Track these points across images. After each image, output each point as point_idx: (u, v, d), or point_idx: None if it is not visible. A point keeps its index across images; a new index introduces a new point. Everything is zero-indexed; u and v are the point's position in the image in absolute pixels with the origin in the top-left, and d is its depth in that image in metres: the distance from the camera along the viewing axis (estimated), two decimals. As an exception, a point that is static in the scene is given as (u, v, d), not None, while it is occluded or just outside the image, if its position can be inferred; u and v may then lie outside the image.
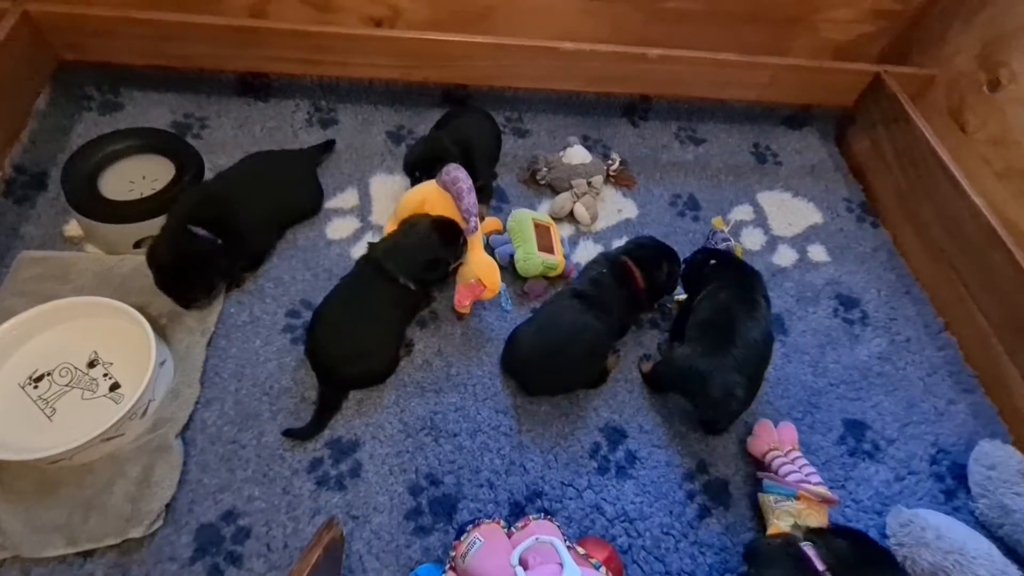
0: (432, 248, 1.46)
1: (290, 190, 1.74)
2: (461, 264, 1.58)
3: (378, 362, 1.49)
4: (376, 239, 1.77)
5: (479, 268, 1.55)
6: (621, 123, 2.27)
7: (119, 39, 1.68)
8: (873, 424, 1.60)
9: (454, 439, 1.46)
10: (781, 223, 2.09)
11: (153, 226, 1.56)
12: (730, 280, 1.47)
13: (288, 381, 1.50)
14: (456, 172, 1.51)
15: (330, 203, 1.86)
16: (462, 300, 1.50)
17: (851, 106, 2.17)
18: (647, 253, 1.56)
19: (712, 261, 1.54)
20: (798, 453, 1.36)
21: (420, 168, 1.71)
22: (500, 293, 1.60)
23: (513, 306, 1.70)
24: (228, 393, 1.46)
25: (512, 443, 1.47)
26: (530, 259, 1.68)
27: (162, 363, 1.40)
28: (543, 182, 1.98)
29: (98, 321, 1.44)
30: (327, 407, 1.43)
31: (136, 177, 1.67)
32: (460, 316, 1.66)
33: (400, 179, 1.95)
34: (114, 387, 1.38)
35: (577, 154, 1.92)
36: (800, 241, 2.05)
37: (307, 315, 1.61)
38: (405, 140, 2.06)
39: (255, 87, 2.03)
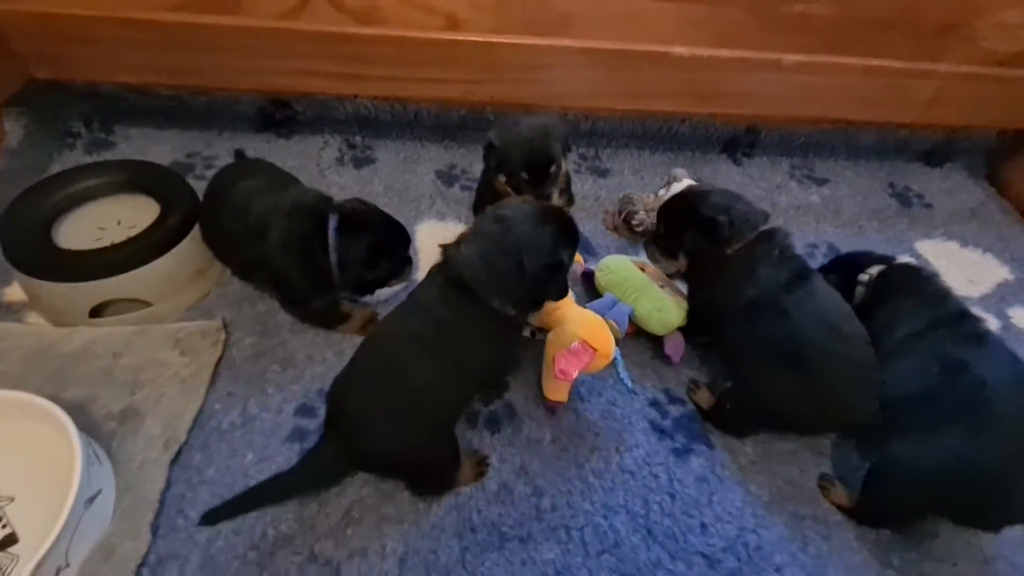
0: (547, 248, 0.89)
1: None
2: (549, 322, 1.07)
3: (428, 439, 0.93)
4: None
5: (583, 326, 1.03)
6: (721, 160, 1.83)
7: (105, 48, 1.29)
8: None
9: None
10: (959, 279, 1.56)
11: (121, 286, 1.10)
12: (922, 310, 1.04)
13: (291, 523, 0.95)
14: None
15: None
16: (568, 370, 1.00)
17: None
18: None
19: (870, 273, 1.12)
20: None
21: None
22: (616, 360, 1.08)
23: (633, 382, 1.17)
24: (195, 547, 0.91)
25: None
26: (665, 307, 1.17)
27: (92, 498, 0.87)
28: (640, 228, 1.50)
29: (7, 427, 0.94)
30: None
31: (108, 222, 1.24)
32: (552, 408, 1.12)
33: (455, 226, 1.49)
34: (7, 541, 0.84)
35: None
36: (994, 303, 1.52)
37: (323, 414, 1.09)
38: (459, 180, 1.63)
39: (277, 121, 1.64)
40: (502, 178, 1.21)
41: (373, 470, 0.98)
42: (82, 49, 1.29)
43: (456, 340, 0.89)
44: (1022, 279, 1.60)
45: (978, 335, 1.00)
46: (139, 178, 1.29)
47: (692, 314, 1.18)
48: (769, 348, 1.02)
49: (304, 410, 1.09)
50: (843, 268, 1.17)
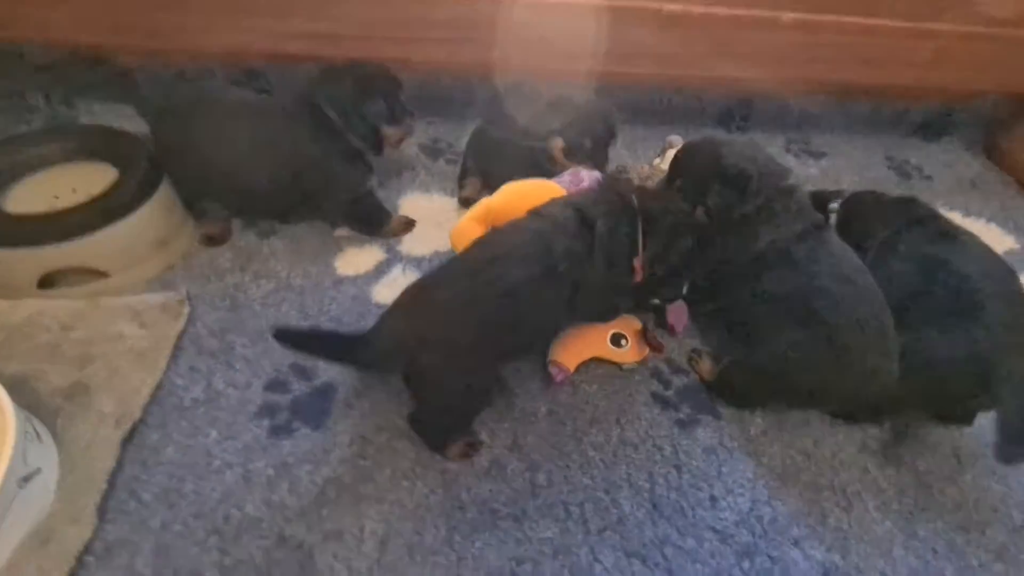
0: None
1: None
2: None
3: (491, 355, 0.90)
4: (408, 273, 1.20)
5: None
6: (715, 135, 1.77)
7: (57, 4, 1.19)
8: None
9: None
10: (964, 248, 1.50)
11: (71, 253, 1.00)
12: (901, 220, 1.08)
13: (259, 505, 0.85)
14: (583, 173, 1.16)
15: (342, 230, 1.30)
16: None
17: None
18: None
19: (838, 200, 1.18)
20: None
21: None
22: None
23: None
24: (148, 533, 0.81)
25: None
26: None
27: (28, 477, 0.76)
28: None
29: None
30: None
31: (63, 191, 1.14)
32: (559, 376, 1.03)
33: (439, 198, 1.41)
34: (-72, 528, 0.74)
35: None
36: (1002, 271, 1.45)
37: (298, 389, 1.00)
38: (444, 155, 1.55)
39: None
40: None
41: (413, 363, 0.86)
42: (29, 6, 1.19)
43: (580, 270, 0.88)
44: (1028, 248, 1.55)
45: (951, 231, 1.05)
46: (97, 144, 1.20)
47: (702, 278, 1.10)
48: (785, 305, 0.96)
49: (275, 385, 1.00)
50: (814, 203, 1.13)
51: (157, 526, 0.82)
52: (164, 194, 1.16)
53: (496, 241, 0.92)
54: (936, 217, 1.09)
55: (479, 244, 0.92)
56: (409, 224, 1.32)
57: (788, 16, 1.36)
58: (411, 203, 1.41)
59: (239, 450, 0.91)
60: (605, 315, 1.05)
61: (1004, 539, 0.93)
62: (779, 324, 0.96)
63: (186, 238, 1.21)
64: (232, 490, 0.86)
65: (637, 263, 0.93)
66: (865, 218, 1.13)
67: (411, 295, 0.89)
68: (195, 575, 0.78)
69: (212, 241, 1.21)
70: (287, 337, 0.88)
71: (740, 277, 1.03)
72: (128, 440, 0.89)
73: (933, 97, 1.75)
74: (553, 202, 0.97)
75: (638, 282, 0.95)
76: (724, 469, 0.97)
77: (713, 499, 0.93)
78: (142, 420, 0.92)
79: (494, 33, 1.36)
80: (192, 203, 1.22)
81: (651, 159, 1.52)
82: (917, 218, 1.08)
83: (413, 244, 1.30)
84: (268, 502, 0.86)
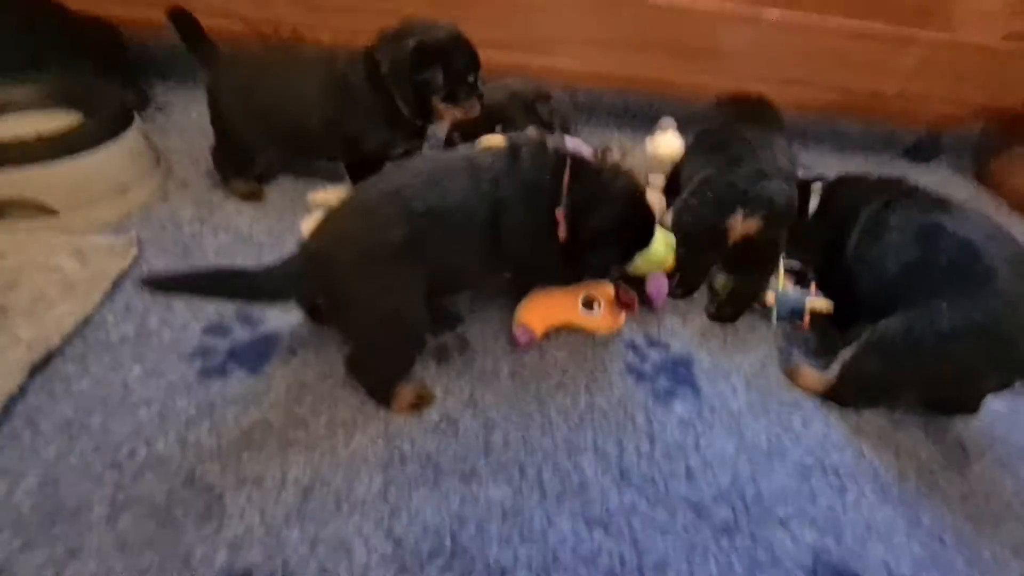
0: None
1: None
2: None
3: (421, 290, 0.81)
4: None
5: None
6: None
7: None
8: None
9: (503, 583, 0.66)
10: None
11: (17, 182, 0.96)
12: (886, 191, 1.03)
13: (171, 443, 0.75)
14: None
15: (316, 195, 1.26)
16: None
17: (1020, 109, 1.65)
18: None
19: (820, 183, 1.12)
20: None
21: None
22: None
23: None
24: (37, 462, 0.71)
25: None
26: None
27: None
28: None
29: None
30: None
31: (27, 131, 1.10)
32: (523, 338, 0.95)
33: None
34: None
35: (668, 142, 1.37)
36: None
37: (239, 335, 0.91)
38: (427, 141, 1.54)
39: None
40: None
41: (326, 284, 0.76)
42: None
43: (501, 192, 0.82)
44: (1026, 260, 1.49)
45: (942, 200, 0.98)
46: (69, 91, 1.18)
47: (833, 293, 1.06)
48: (940, 269, 0.89)
49: (215, 329, 0.92)
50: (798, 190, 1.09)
51: (50, 456, 0.72)
52: (130, 140, 1.12)
53: (422, 161, 0.88)
54: (925, 191, 1.03)
55: (406, 165, 0.86)
56: None
57: (771, 13, 1.39)
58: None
59: (161, 387, 0.82)
60: (533, 269, 0.96)
61: (1020, 532, 0.81)
62: (934, 290, 0.87)
63: (150, 188, 1.17)
64: (143, 426, 0.76)
65: (558, 213, 0.85)
66: (849, 196, 1.07)
67: (328, 215, 0.80)
68: (80, 510, 0.67)
69: (251, 197, 1.20)
70: (163, 283, 0.70)
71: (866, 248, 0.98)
72: (40, 369, 0.81)
73: (921, 118, 1.76)
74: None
75: (563, 242, 0.86)
76: (703, 442, 0.87)
77: (689, 471, 0.82)
78: (60, 351, 0.84)
79: (485, 12, 1.37)
80: (247, 149, 1.17)
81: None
82: (905, 191, 1.03)
83: (386, 214, 1.25)
84: (183, 441, 0.76)
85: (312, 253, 0.76)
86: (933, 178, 1.83)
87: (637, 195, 0.90)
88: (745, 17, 1.40)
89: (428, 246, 0.77)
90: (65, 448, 0.73)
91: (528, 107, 1.30)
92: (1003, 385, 0.86)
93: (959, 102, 1.67)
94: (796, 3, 1.48)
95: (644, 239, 0.92)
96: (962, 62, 1.53)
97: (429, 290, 0.80)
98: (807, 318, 1.07)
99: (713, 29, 1.42)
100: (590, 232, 0.85)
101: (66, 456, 0.72)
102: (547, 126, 1.31)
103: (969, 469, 0.90)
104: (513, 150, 0.85)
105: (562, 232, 0.85)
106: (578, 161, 0.87)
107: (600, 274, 1.00)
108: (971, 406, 0.95)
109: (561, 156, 0.86)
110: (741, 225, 0.99)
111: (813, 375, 0.98)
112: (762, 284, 1.08)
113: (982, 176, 1.86)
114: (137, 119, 1.17)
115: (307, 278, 0.76)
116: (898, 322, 0.88)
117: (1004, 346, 0.81)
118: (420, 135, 1.17)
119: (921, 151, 1.89)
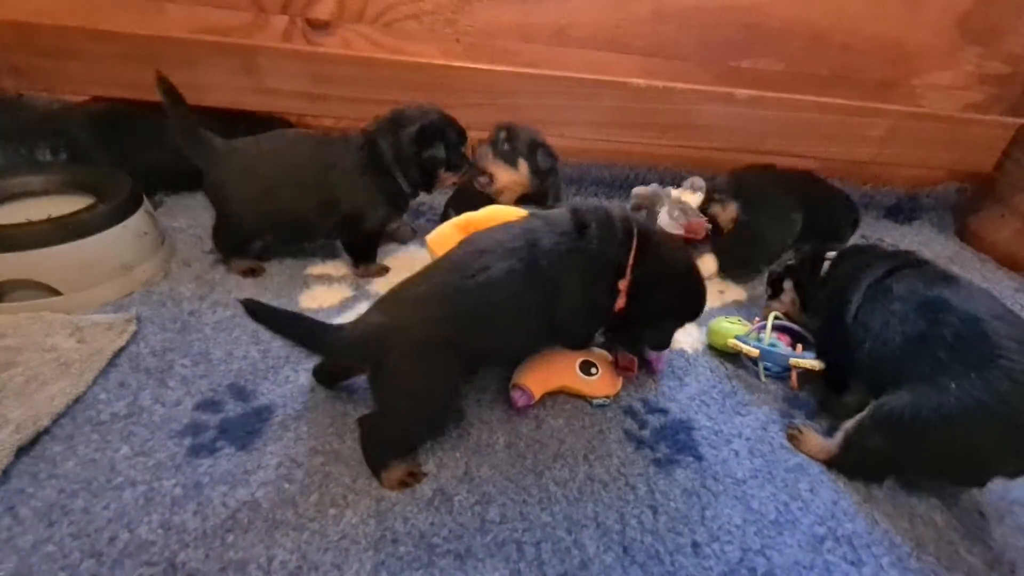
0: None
1: None
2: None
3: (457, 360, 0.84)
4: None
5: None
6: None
7: (80, 61, 1.31)
8: None
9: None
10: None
11: (21, 265, 0.99)
12: (891, 260, 1.02)
13: (154, 528, 0.72)
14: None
15: (314, 269, 1.29)
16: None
17: (989, 170, 1.73)
18: None
19: (834, 251, 1.12)
20: None
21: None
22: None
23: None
24: (12, 552, 0.68)
25: None
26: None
27: None
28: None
29: None
30: None
31: (39, 215, 1.15)
32: (521, 401, 0.94)
33: (416, 251, 1.42)
34: None
35: (689, 196, 1.41)
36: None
37: (232, 409, 0.90)
38: (425, 215, 1.60)
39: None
40: None
41: (380, 353, 0.80)
42: (55, 61, 1.32)
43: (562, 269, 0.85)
44: (1018, 315, 1.50)
45: (948, 275, 0.97)
46: (83, 178, 1.24)
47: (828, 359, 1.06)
48: (946, 344, 0.85)
49: (207, 405, 0.91)
50: (812, 256, 1.16)
51: (27, 545, 0.69)
52: (137, 221, 1.17)
53: (483, 237, 0.89)
54: (934, 265, 1.01)
55: (465, 241, 0.90)
56: (383, 270, 1.32)
57: (742, 93, 1.49)
58: (388, 253, 1.41)
59: (148, 467, 0.80)
60: (580, 338, 0.98)
61: (1054, 605, 0.76)
62: (939, 366, 0.84)
63: (154, 267, 1.20)
64: (127, 509, 0.74)
65: (622, 284, 0.88)
66: (856, 262, 1.06)
67: (392, 290, 0.86)
68: (53, 606, 0.63)
69: (251, 273, 1.24)
70: (256, 310, 0.89)
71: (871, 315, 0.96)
72: (27, 450, 0.79)
73: (898, 181, 1.84)
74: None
75: (619, 311, 0.89)
76: (708, 513, 0.83)
77: (696, 545, 0.79)
78: (48, 431, 0.82)
79: (478, 98, 1.48)
80: (247, 233, 1.23)
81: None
82: (912, 262, 1.01)
83: (383, 285, 1.27)
84: (166, 524, 0.73)
85: (371, 331, 0.82)
86: (917, 237, 1.88)
87: (695, 269, 0.95)
88: (720, 95, 1.51)
89: (473, 339, 0.82)
90: (43, 535, 0.70)
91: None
92: (1018, 472, 0.82)
93: (931, 166, 1.76)
94: (765, 84, 1.60)
95: (698, 311, 0.97)
96: (927, 131, 1.62)
97: (468, 368, 0.85)
98: (794, 374, 1.07)
99: (689, 107, 1.52)
100: (655, 305, 0.89)
101: (43, 544, 0.69)
102: (545, 196, 1.35)
103: (990, 535, 0.86)
104: (580, 225, 0.87)
105: (620, 303, 0.88)
106: (644, 234, 0.90)
107: (660, 346, 1.02)
108: (980, 482, 0.91)
109: (628, 228, 0.89)
110: None
111: (817, 441, 0.95)
112: None
113: (963, 235, 1.91)
114: (145, 201, 1.22)
115: (363, 348, 0.82)
116: (904, 399, 0.85)
117: (1015, 430, 0.79)
118: (405, 209, 1.30)
119: (902, 212, 1.95)
